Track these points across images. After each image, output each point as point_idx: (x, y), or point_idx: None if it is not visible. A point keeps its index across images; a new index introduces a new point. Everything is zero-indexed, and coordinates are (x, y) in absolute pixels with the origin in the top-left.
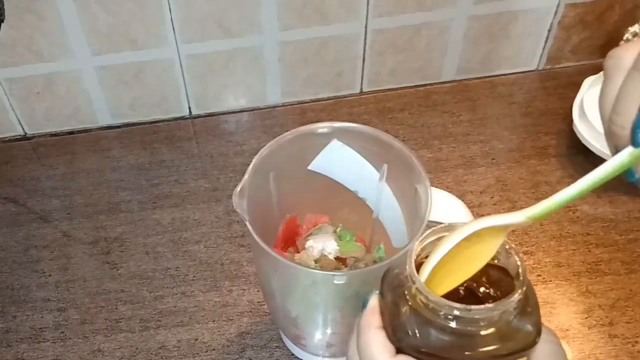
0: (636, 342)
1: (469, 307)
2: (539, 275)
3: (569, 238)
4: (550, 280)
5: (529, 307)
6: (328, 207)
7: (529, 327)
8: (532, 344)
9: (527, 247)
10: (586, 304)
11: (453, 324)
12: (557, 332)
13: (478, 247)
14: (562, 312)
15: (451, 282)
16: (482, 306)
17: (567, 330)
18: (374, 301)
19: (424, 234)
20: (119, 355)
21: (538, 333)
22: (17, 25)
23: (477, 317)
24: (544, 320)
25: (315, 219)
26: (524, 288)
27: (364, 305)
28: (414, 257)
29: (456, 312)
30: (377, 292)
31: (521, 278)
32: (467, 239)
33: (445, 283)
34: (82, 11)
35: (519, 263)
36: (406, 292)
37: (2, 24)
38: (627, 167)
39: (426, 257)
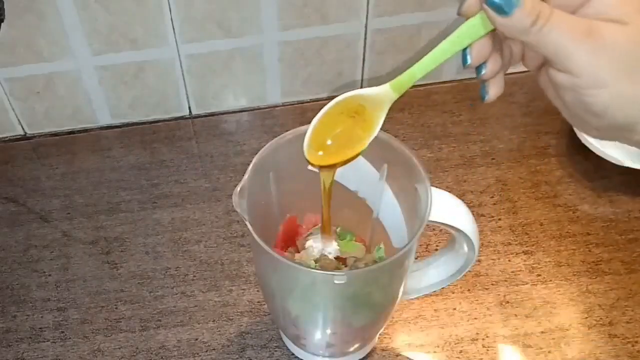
0: (636, 342)
1: None
2: (539, 275)
3: (569, 238)
4: (550, 280)
5: None
6: None
7: None
8: None
9: (527, 247)
10: (586, 304)
11: None
12: (557, 332)
13: (362, 125)
14: (562, 312)
15: (342, 153)
16: None
17: (567, 330)
18: None
19: None
20: (119, 355)
21: None
22: (17, 25)
23: None
24: (543, 319)
25: (315, 219)
26: None
27: None
28: None
29: None
30: None
31: None
32: (351, 116)
33: (336, 153)
34: (82, 11)
35: None
36: None
37: (2, 24)
38: (477, 30)
39: None
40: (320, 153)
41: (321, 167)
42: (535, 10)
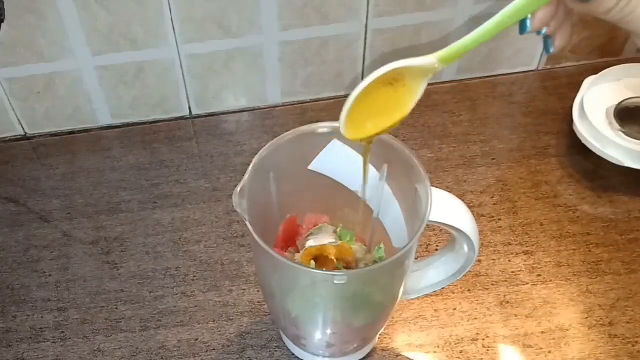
0: (636, 342)
1: None
2: (539, 275)
3: (569, 238)
4: (550, 280)
5: None
6: (328, 207)
7: None
8: None
9: (527, 247)
10: (586, 304)
11: None
12: (557, 332)
13: (402, 91)
14: (562, 312)
15: (381, 123)
16: None
17: (567, 330)
18: None
19: None
20: (119, 355)
21: None
22: (17, 25)
23: None
24: (543, 319)
25: (315, 219)
26: None
27: None
28: None
29: None
30: None
31: None
32: (389, 84)
33: (374, 123)
34: (82, 11)
35: None
36: None
37: (2, 24)
38: (532, 3)
39: None
40: (358, 126)
41: (361, 139)
42: None
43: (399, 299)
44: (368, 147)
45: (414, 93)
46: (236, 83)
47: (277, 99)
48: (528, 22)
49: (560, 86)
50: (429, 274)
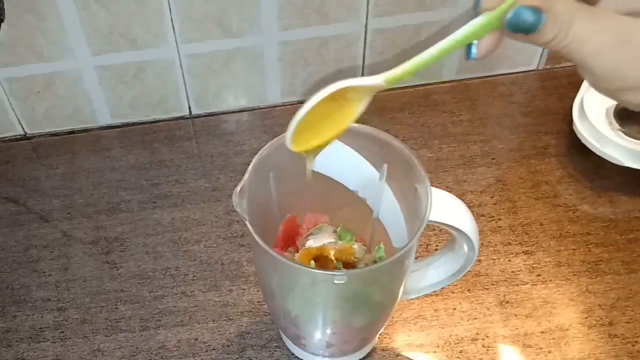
0: (636, 342)
1: None
2: (539, 275)
3: (569, 238)
4: (550, 280)
5: None
6: (328, 207)
7: None
8: None
9: (527, 247)
10: (586, 304)
11: None
12: (557, 332)
13: (345, 108)
14: (562, 312)
15: (323, 137)
16: None
17: (567, 330)
18: None
19: None
20: (119, 355)
21: None
22: (17, 25)
23: None
24: (543, 319)
25: (315, 219)
26: None
27: None
28: None
29: None
30: None
31: None
32: (334, 100)
33: (316, 138)
34: (82, 11)
35: None
36: None
37: (2, 24)
38: (482, 29)
39: None
40: (303, 139)
41: (306, 152)
42: (554, 28)
43: (399, 299)
44: (312, 157)
45: (357, 107)
46: (236, 83)
47: (277, 99)
48: (473, 49)
49: (560, 86)
50: (429, 274)
